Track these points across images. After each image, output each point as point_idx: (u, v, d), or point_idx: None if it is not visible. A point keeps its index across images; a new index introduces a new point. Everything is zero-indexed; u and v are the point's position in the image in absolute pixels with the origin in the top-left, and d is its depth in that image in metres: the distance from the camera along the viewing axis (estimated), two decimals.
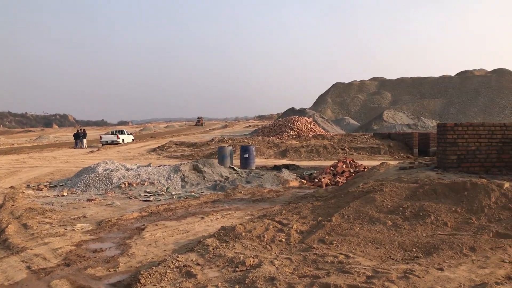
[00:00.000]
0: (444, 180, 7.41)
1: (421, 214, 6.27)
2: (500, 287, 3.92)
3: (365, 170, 12.44)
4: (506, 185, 6.54)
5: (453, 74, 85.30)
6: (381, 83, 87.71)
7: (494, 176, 8.20)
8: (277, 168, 16.21)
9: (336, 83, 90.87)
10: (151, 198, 10.61)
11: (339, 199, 7.93)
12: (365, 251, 5.34)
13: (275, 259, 5.06)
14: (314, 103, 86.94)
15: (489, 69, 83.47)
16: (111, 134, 41.95)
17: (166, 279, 4.75)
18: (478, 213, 6.12)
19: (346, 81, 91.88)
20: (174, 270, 4.97)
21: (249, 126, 73.57)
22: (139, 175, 12.72)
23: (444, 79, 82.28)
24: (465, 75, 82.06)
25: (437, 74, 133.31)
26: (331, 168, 13.91)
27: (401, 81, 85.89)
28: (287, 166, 16.65)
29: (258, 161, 22.32)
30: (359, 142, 27.89)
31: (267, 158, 24.65)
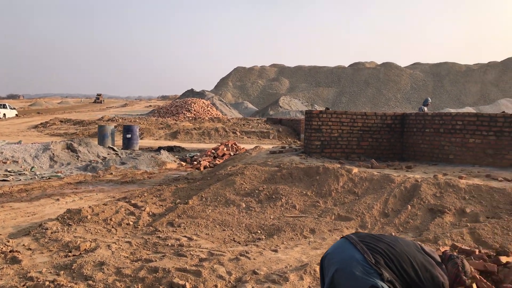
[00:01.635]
0: (304, 164, 7.69)
1: (274, 197, 6.44)
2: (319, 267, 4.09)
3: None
4: (355, 170, 6.95)
5: (346, 65, 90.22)
6: (281, 70, 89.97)
7: (353, 161, 8.70)
8: (160, 149, 15.85)
9: (237, 67, 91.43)
10: (9, 178, 9.73)
11: (205, 182, 7.91)
12: (210, 233, 5.34)
13: (114, 243, 4.86)
14: (216, 86, 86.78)
15: (379, 62, 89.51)
16: None
17: None
18: (326, 196, 6.43)
19: (248, 65, 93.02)
20: None
21: (150, 106, 71.29)
22: (1, 152, 11.63)
23: (338, 69, 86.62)
24: (357, 67, 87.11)
25: (332, 64, 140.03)
26: (213, 150, 13.92)
27: (299, 69, 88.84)
28: (171, 148, 16.38)
29: (147, 142, 21.74)
30: (251, 126, 28.35)
31: (156, 139, 24.08)
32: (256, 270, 4.05)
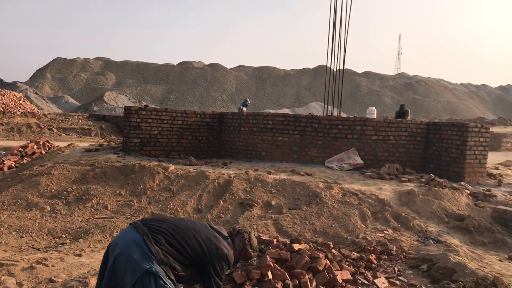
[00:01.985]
0: (120, 163, 7.39)
1: (84, 198, 6.05)
2: None
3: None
4: (172, 168, 6.95)
5: (175, 63, 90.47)
6: (106, 64, 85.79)
7: (173, 159, 8.70)
8: None
9: (57, 58, 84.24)
10: None
11: (4, 183, 7.03)
12: (4, 241, 4.75)
13: None
14: (31, 77, 78.52)
15: (207, 63, 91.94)
16: None
17: None
18: (141, 195, 6.28)
19: (69, 57, 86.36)
20: None
21: None
22: None
23: (167, 67, 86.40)
24: (185, 66, 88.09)
25: (160, 61, 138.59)
26: (20, 149, 12.49)
27: (126, 64, 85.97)
28: None
29: None
30: (70, 123, 26.33)
31: None
32: (53, 278, 3.72)
